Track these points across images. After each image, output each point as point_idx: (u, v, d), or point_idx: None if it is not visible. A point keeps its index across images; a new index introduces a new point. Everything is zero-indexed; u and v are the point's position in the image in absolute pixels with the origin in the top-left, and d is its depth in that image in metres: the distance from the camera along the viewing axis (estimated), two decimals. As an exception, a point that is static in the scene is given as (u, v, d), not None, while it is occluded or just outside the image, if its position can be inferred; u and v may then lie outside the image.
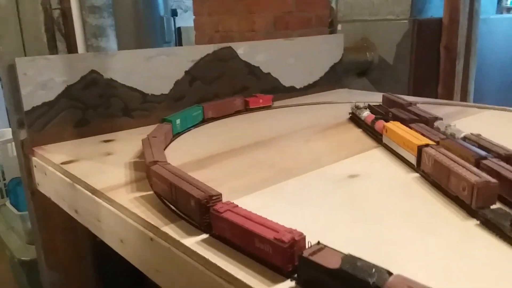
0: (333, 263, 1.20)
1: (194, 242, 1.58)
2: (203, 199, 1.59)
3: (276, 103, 3.82)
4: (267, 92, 3.85)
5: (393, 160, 2.37)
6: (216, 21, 4.60)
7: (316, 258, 1.24)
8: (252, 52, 3.74)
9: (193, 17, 5.02)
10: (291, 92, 4.10)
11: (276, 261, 1.35)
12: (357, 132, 2.95)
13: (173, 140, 2.79)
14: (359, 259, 1.20)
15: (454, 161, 1.87)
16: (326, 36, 4.64)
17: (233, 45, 3.61)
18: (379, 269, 1.15)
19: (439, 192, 1.93)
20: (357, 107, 3.13)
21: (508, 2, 9.13)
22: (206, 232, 1.62)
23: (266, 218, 1.46)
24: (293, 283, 1.33)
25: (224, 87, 3.59)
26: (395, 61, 6.34)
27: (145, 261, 1.82)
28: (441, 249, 1.50)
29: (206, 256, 1.49)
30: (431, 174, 2.00)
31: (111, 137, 2.93)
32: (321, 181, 2.14)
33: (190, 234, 1.63)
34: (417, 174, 2.14)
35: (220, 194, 1.65)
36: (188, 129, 3.03)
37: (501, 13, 8.08)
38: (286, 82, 4.05)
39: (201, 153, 2.53)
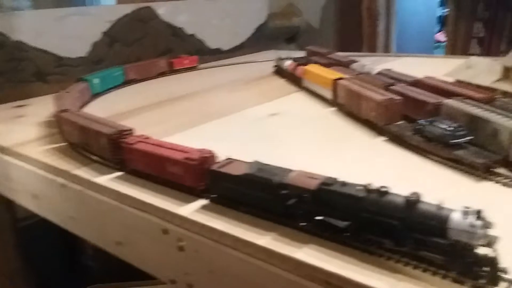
0: (240, 171, 1.21)
1: (107, 179, 1.54)
2: (113, 134, 1.54)
3: (203, 65, 3.78)
4: (192, 54, 3.78)
5: (312, 100, 2.42)
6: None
7: (224, 169, 1.24)
8: (174, 12, 3.64)
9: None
10: (218, 54, 4.06)
11: (188, 181, 1.34)
12: (280, 81, 2.99)
13: (92, 100, 2.68)
14: (264, 164, 1.22)
15: (365, 88, 1.94)
16: (250, -3, 4.61)
17: (153, 5, 3.50)
18: (282, 169, 1.18)
19: (353, 119, 2.00)
20: (280, 59, 3.17)
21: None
22: (119, 170, 1.58)
23: (177, 144, 1.44)
24: (206, 201, 1.33)
25: (146, 49, 3.48)
26: (321, 25, 6.42)
27: (59, 211, 1.75)
28: (352, 162, 1.57)
29: (118, 189, 1.45)
30: (345, 104, 2.07)
31: (24, 102, 2.76)
32: (241, 120, 2.16)
33: (103, 173, 1.58)
34: (333, 108, 2.20)
35: (132, 129, 1.60)
36: (110, 90, 2.92)
37: (419, -24, 8.44)
38: (212, 43, 4.00)
39: (122, 108, 2.45)
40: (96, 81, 2.70)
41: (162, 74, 3.43)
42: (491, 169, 1.35)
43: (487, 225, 0.86)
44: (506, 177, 1.32)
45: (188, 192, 1.36)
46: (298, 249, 1.05)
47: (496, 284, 0.87)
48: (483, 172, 1.34)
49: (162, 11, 3.54)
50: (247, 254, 1.12)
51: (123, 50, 3.33)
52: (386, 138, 1.73)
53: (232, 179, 1.20)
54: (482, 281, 0.87)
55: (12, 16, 2.72)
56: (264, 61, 3.78)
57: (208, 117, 2.18)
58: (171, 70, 3.49)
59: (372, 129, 1.83)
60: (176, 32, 3.70)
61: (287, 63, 2.99)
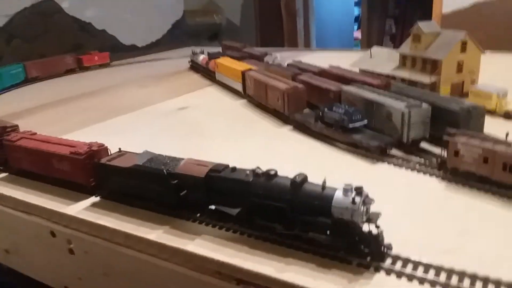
0: (130, 163, 1.13)
1: (-12, 182, 1.39)
2: (-7, 132, 1.39)
3: (116, 62, 3.61)
4: (104, 50, 3.59)
5: (224, 93, 2.38)
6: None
7: (113, 162, 1.16)
8: (80, 6, 3.43)
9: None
10: (133, 51, 3.90)
11: (77, 178, 1.24)
12: (194, 76, 2.92)
13: (-15, 100, 2.44)
14: (154, 154, 1.16)
15: (272, 78, 1.93)
16: (164, -9, 4.48)
17: (56, -2, 3.29)
18: (172, 159, 1.12)
19: (261, 110, 1.99)
20: (194, 53, 3.10)
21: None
22: (3, 170, 1.44)
23: (66, 139, 1.34)
24: (97, 199, 1.24)
25: (51, 46, 3.25)
26: (242, 22, 6.42)
27: None
28: (255, 149, 1.55)
29: (0, 192, 1.31)
30: (254, 95, 2.05)
31: None
32: (150, 115, 2.07)
33: (-16, 176, 1.43)
34: (243, 100, 2.18)
35: (16, 125, 1.46)
36: (7, 90, 2.68)
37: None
38: (125, 40, 3.84)
39: (18, 107, 2.25)
40: (-11, 78, 2.46)
41: (70, 71, 3.23)
42: (385, 151, 1.39)
43: (367, 201, 0.87)
44: (399, 157, 1.36)
45: (79, 190, 1.26)
46: (189, 241, 1.01)
47: (381, 261, 0.88)
48: (378, 154, 1.37)
49: (66, 4, 3.33)
50: (139, 251, 1.05)
51: (23, 46, 3.09)
52: (292, 127, 1.73)
53: (121, 171, 1.13)
54: (367, 258, 0.88)
55: None
56: (180, 58, 3.68)
57: (115, 113, 2.07)
58: (81, 67, 3.30)
59: (279, 118, 1.83)
60: (84, 27, 3.50)
61: (201, 58, 2.94)
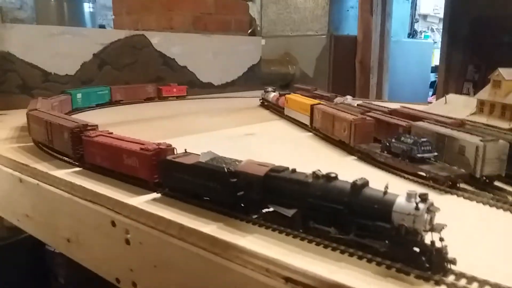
0: (192, 161, 1.17)
1: (63, 173, 1.49)
2: (75, 128, 1.51)
3: (192, 96, 3.81)
4: (183, 85, 3.83)
5: (291, 125, 2.42)
6: (135, 19, 4.57)
7: (176, 159, 1.20)
8: (168, 43, 3.72)
9: (113, 17, 4.96)
10: (209, 88, 4.11)
11: (143, 174, 1.29)
12: (264, 112, 3.00)
13: (72, 114, 2.67)
14: (217, 155, 1.19)
15: (340, 111, 1.94)
16: (244, 37, 4.74)
17: (147, 33, 3.59)
18: (233, 160, 1.14)
19: (326, 142, 1.98)
20: (266, 91, 3.20)
21: (423, 36, 9.95)
22: (78, 165, 1.54)
23: (138, 139, 1.42)
24: (158, 195, 1.28)
25: (136, 75, 3.52)
26: (315, 74, 6.57)
27: (15, 207, 1.68)
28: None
29: (72, 181, 1.40)
30: (320, 127, 2.06)
31: (5, 112, 2.75)
32: (216, 138, 2.14)
33: (61, 168, 1.53)
34: (310, 133, 2.19)
35: (96, 125, 1.58)
36: (93, 108, 2.92)
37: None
38: (203, 77, 4.06)
39: (102, 121, 2.43)
40: (79, 95, 2.70)
41: (150, 99, 3.45)
42: (455, 184, 1.31)
43: (433, 209, 0.82)
44: (469, 191, 1.28)
45: (143, 186, 1.31)
46: (241, 237, 1.00)
47: (443, 275, 0.81)
48: (446, 185, 1.30)
49: (156, 40, 3.63)
50: (191, 243, 1.06)
51: (112, 73, 3.37)
52: (356, 158, 1.70)
53: (183, 168, 1.16)
54: (427, 271, 0.81)
55: (3, 27, 2.77)
56: (253, 97, 3.81)
57: (184, 133, 2.17)
58: (160, 97, 3.52)
59: (344, 150, 1.81)
60: (167, 62, 3.77)
61: (272, 95, 3.02)
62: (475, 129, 1.52)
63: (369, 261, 0.87)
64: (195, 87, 4.00)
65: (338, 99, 2.72)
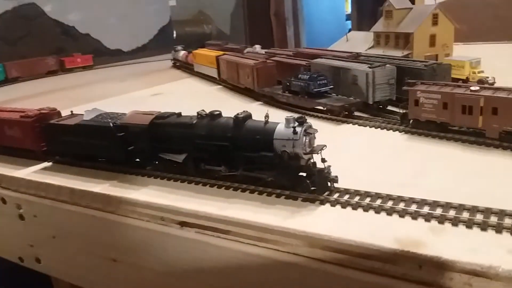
0: (76, 121, 1.10)
1: None
2: None
3: (101, 66, 3.59)
4: (88, 54, 3.59)
5: (201, 81, 2.36)
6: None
7: (60, 122, 1.12)
8: (63, 9, 3.43)
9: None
10: (118, 55, 3.89)
11: (27, 143, 1.20)
12: (175, 72, 2.90)
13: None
14: (105, 111, 1.12)
15: (243, 58, 1.91)
16: (150, -3, 4.50)
17: (39, 1, 3.29)
18: (120, 114, 1.09)
19: (234, 91, 1.96)
20: (175, 50, 3.10)
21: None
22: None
23: (20, 108, 1.30)
24: (48, 164, 1.20)
25: (33, 49, 3.22)
26: (232, 31, 6.44)
27: None
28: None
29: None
30: (227, 78, 2.03)
31: None
32: (124, 100, 2.04)
33: None
34: (219, 86, 2.15)
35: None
36: (-15, 89, 2.67)
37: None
38: (110, 44, 3.83)
39: (-6, 100, 2.24)
40: (-34, 75, 2.44)
41: (52, 72, 3.21)
42: (350, 113, 1.35)
43: (310, 131, 0.83)
44: (363, 118, 1.33)
45: (32, 157, 1.22)
46: (134, 191, 0.96)
47: (328, 195, 0.83)
48: (342, 115, 1.34)
49: (49, 8, 3.34)
50: (85, 206, 1.01)
51: (5, 48, 3.08)
52: (262, 102, 1.70)
53: (67, 130, 1.09)
54: (311, 192, 0.83)
55: None
56: (165, 60, 3.67)
57: (89, 100, 2.03)
58: (63, 69, 3.28)
59: (250, 97, 1.80)
60: (67, 31, 3.50)
61: (181, 53, 2.93)
62: (367, 59, 1.56)
63: (260, 193, 0.88)
64: (103, 55, 3.76)
65: (248, 50, 2.69)
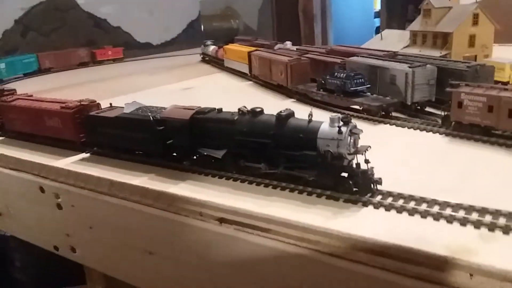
0: (116, 113, 1.11)
1: (-18, 144, 1.39)
2: (-10, 94, 1.40)
3: (130, 58, 3.63)
4: (119, 47, 3.63)
5: (231, 77, 2.36)
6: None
7: (100, 114, 1.14)
8: (96, 2, 3.48)
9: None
10: (147, 48, 3.93)
11: (67, 134, 1.22)
12: (204, 66, 2.91)
13: (-3, 85, 2.48)
14: (142, 105, 1.13)
15: (276, 54, 1.90)
16: (179, -9, 4.52)
17: (72, -6, 3.35)
18: (160, 108, 1.09)
19: (266, 88, 1.95)
20: (205, 45, 3.10)
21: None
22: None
23: (59, 98, 1.32)
24: (86, 155, 1.22)
25: (66, 40, 3.29)
26: (259, 27, 6.42)
27: None
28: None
29: (-8, 150, 1.30)
30: (259, 74, 2.02)
31: None
32: (156, 94, 2.06)
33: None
34: (250, 82, 2.15)
35: (14, 89, 1.47)
36: (21, 78, 2.73)
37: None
38: (140, 37, 3.87)
39: (28, 90, 2.27)
40: (1, 65, 2.51)
41: (83, 64, 3.26)
42: (388, 113, 1.33)
43: (355, 131, 0.82)
44: (401, 119, 1.30)
45: (71, 148, 1.24)
46: (172, 185, 0.96)
47: (370, 196, 0.81)
48: (379, 115, 1.31)
49: (82, 0, 3.39)
50: (122, 198, 1.02)
51: (39, 39, 3.14)
52: (295, 100, 1.69)
53: (107, 122, 1.10)
54: (355, 194, 0.82)
55: None
56: (194, 54, 3.69)
57: (120, 93, 2.06)
58: (94, 61, 3.34)
59: (283, 93, 1.79)
60: (99, 24, 3.55)
61: (211, 48, 2.93)
62: (405, 59, 1.53)
63: (300, 192, 0.87)
64: (133, 48, 3.81)
65: (279, 46, 2.67)
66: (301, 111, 1.35)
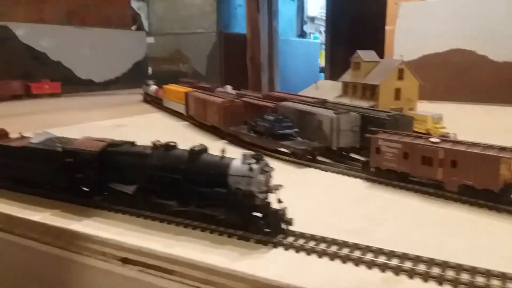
0: (24, 143, 1.03)
1: None
2: None
3: (70, 94, 3.52)
4: (58, 82, 3.52)
5: (168, 117, 2.33)
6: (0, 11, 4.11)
7: (5, 143, 1.05)
8: (36, 35, 3.38)
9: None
10: (89, 85, 3.83)
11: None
12: (144, 106, 2.87)
13: None
14: (53, 135, 1.07)
15: (212, 96, 1.90)
16: (126, 31, 4.52)
17: (11, 24, 3.23)
18: (72, 139, 1.03)
19: (201, 129, 1.93)
20: (147, 84, 3.07)
21: (311, 37, 10.42)
22: None
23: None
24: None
25: (1, 71, 3.15)
26: (208, 71, 6.50)
27: None
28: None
29: None
30: (195, 115, 2.00)
31: None
32: (86, 129, 1.96)
33: None
34: (186, 122, 2.12)
35: None
36: None
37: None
38: (82, 73, 3.77)
39: None
40: None
41: (17, 97, 3.11)
42: (314, 157, 1.34)
43: (266, 169, 0.80)
44: (326, 163, 1.31)
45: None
46: (75, 222, 0.89)
47: (283, 237, 0.79)
48: (304, 159, 1.32)
49: (21, 32, 3.29)
50: (20, 235, 0.93)
51: (-32, 68, 2.98)
52: (227, 141, 1.67)
53: (12, 151, 1.02)
54: (267, 235, 0.79)
55: None
56: (137, 94, 3.64)
57: (49, 126, 1.95)
58: (29, 95, 3.19)
59: (216, 135, 1.77)
60: (37, 57, 3.44)
61: (152, 88, 2.91)
62: (333, 106, 1.57)
63: (212, 231, 0.83)
64: (73, 84, 3.70)
65: (219, 89, 2.69)
66: (232, 153, 1.33)
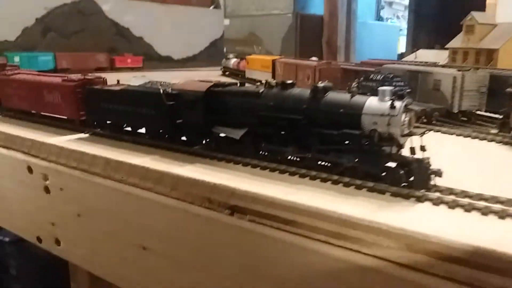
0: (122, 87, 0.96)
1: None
2: (-10, 67, 1.27)
3: (149, 69, 3.55)
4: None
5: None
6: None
7: (104, 87, 0.99)
8: (121, 10, 3.44)
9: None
10: (168, 62, 3.86)
11: (67, 111, 1.08)
12: (224, 79, 2.80)
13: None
14: (153, 80, 0.99)
15: (304, 60, 1.77)
16: (205, 9, 4.49)
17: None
18: (173, 84, 0.95)
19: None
20: (227, 58, 3.01)
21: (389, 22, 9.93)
22: (-5, 111, 1.30)
23: (64, 75, 1.19)
24: (85, 135, 1.07)
25: (86, 45, 3.22)
26: (281, 54, 6.38)
27: None
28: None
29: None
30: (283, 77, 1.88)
31: None
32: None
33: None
34: (272, 91, 2.01)
35: (17, 66, 1.35)
36: (34, 75, 2.64)
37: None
38: (162, 50, 3.81)
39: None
40: (16, 58, 2.42)
41: (101, 69, 3.17)
42: (430, 120, 1.16)
43: (411, 107, 0.65)
44: (447, 126, 1.13)
45: (68, 128, 1.09)
46: (177, 167, 0.80)
47: (426, 191, 0.64)
48: (420, 121, 1.15)
49: (107, 7, 3.35)
50: (118, 180, 0.86)
51: (58, 40, 3.07)
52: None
53: (111, 95, 0.95)
54: (405, 186, 0.64)
55: None
56: (215, 70, 3.60)
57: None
58: (112, 67, 3.25)
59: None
60: (121, 32, 3.49)
61: (233, 61, 2.83)
62: (449, 65, 1.38)
63: (335, 182, 0.70)
64: (153, 60, 3.73)
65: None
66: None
